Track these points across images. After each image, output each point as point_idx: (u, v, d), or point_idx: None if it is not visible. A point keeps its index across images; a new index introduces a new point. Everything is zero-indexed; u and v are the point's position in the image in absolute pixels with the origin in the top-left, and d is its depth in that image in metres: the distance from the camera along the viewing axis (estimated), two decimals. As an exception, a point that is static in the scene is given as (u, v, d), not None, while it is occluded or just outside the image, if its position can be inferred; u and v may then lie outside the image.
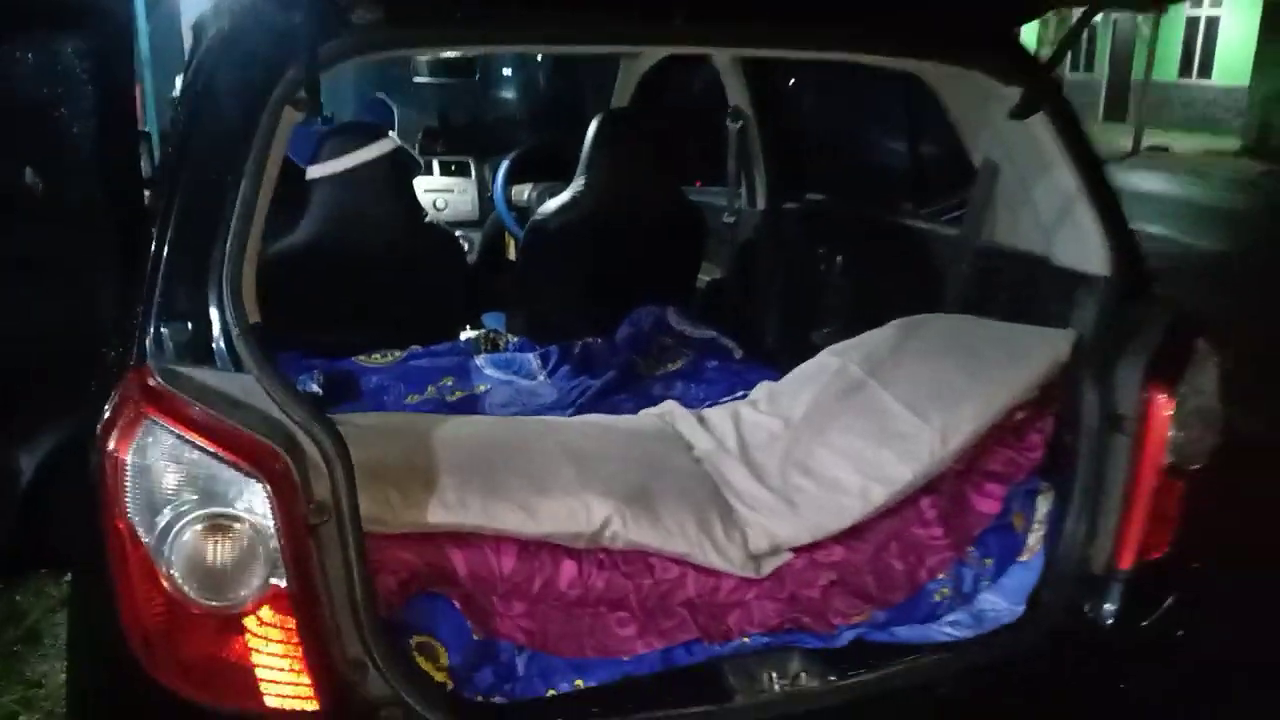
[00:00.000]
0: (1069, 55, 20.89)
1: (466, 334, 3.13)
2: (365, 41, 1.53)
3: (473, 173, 3.95)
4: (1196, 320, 1.82)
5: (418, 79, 3.91)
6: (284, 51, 1.45)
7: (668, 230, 3.18)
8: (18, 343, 2.37)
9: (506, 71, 4.30)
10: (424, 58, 3.71)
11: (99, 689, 1.42)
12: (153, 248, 1.40)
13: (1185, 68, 21.73)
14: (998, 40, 1.91)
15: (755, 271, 3.27)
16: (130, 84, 2.52)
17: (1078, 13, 1.92)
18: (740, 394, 2.31)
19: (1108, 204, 1.87)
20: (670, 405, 2.09)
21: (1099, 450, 1.74)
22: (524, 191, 3.82)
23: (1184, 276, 8.76)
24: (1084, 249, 1.88)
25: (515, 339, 3.02)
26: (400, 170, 2.77)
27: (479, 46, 2.30)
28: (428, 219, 2.94)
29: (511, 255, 3.91)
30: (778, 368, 2.45)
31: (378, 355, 2.73)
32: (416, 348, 2.79)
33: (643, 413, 2.12)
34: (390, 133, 2.78)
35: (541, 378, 2.80)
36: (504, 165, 3.80)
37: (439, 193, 4.02)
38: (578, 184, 3.03)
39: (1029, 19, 2.03)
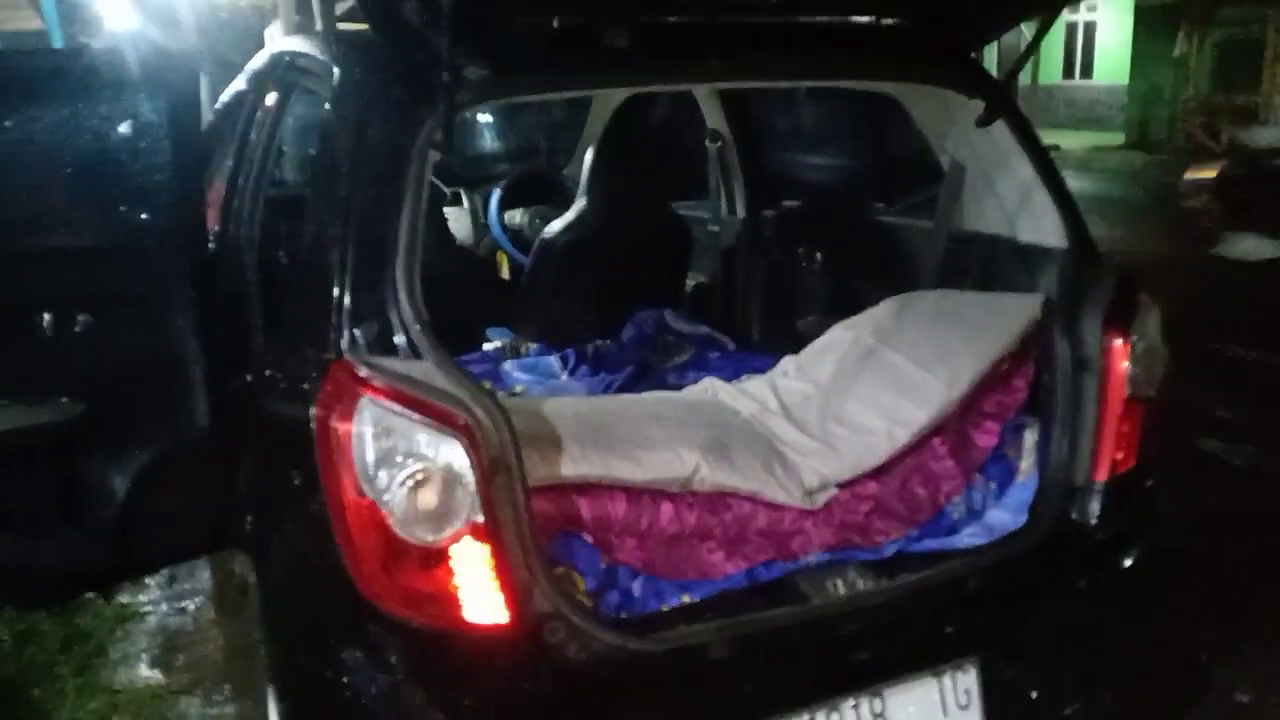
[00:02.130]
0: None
1: (489, 344, 3.46)
2: (480, 93, 1.88)
3: (465, 202, 4.28)
4: (1137, 279, 2.26)
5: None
6: (421, 106, 1.80)
7: (658, 241, 3.55)
8: (107, 370, 2.64)
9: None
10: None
11: (322, 622, 1.73)
12: (336, 268, 1.73)
13: (1068, 70, 22.99)
14: (960, 63, 2.34)
15: (739, 272, 3.67)
16: (198, 139, 2.81)
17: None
18: (745, 377, 2.69)
19: (1060, 190, 2.31)
20: (711, 381, 2.46)
21: (1073, 388, 2.16)
22: (515, 216, 4.17)
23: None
24: (1043, 227, 2.31)
25: (534, 345, 3.36)
26: (434, 201, 3.09)
27: (560, 93, 2.68)
28: (459, 243, 3.26)
29: (505, 274, 4.25)
30: (769, 354, 2.83)
31: None
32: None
33: (686, 389, 2.49)
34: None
35: (564, 377, 3.13)
36: (496, 193, 4.15)
37: None
38: (580, 204, 3.39)
39: (988, 43, 2.46)
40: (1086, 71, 22.58)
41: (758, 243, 3.60)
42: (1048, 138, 17.36)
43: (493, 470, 1.63)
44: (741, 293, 3.68)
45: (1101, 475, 2.16)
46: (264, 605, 1.99)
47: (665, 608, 1.91)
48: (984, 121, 2.30)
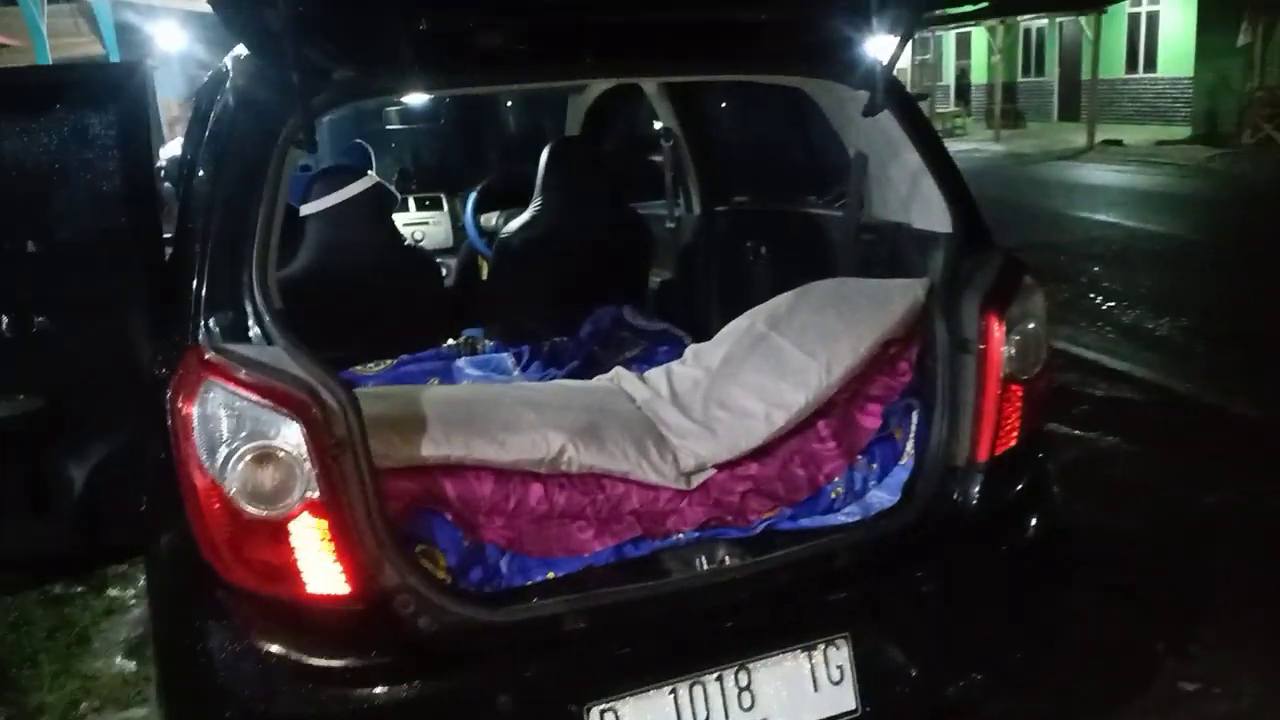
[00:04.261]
0: (1020, 61, 21.29)
1: (449, 343, 3.57)
2: (345, 93, 1.99)
3: (444, 206, 4.41)
4: (1023, 263, 2.28)
5: (389, 126, 4.38)
6: (285, 106, 1.91)
7: (617, 239, 3.63)
8: (66, 371, 2.81)
9: (468, 115, 4.78)
10: (393, 108, 4.19)
11: (182, 593, 1.85)
12: (196, 260, 1.85)
13: (1131, 63, 22.45)
14: (842, 55, 2.37)
15: (696, 268, 3.73)
16: (148, 149, 2.97)
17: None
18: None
19: (947, 176, 2.33)
20: (617, 370, 2.54)
21: (951, 369, 2.19)
22: (492, 218, 4.29)
23: (1130, 255, 9.31)
24: (931, 213, 2.34)
25: (491, 343, 3.46)
26: (381, 203, 3.22)
27: (431, 91, 2.78)
28: (406, 244, 3.38)
29: (485, 276, 4.37)
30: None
31: (372, 364, 3.15)
32: (405, 356, 3.22)
33: (595, 378, 2.56)
34: (370, 171, 3.24)
35: (516, 374, 3.22)
36: (472, 196, 4.27)
37: (416, 225, 4.48)
38: (536, 204, 3.48)
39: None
40: (1150, 64, 21.99)
41: (713, 239, 3.66)
42: (1110, 132, 17.29)
43: (336, 450, 1.73)
44: (701, 288, 3.73)
45: (982, 456, 2.17)
46: (147, 583, 2.12)
47: (530, 583, 1.98)
48: (869, 112, 2.33)
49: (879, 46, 2.35)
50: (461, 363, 3.25)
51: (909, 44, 2.37)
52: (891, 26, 2.24)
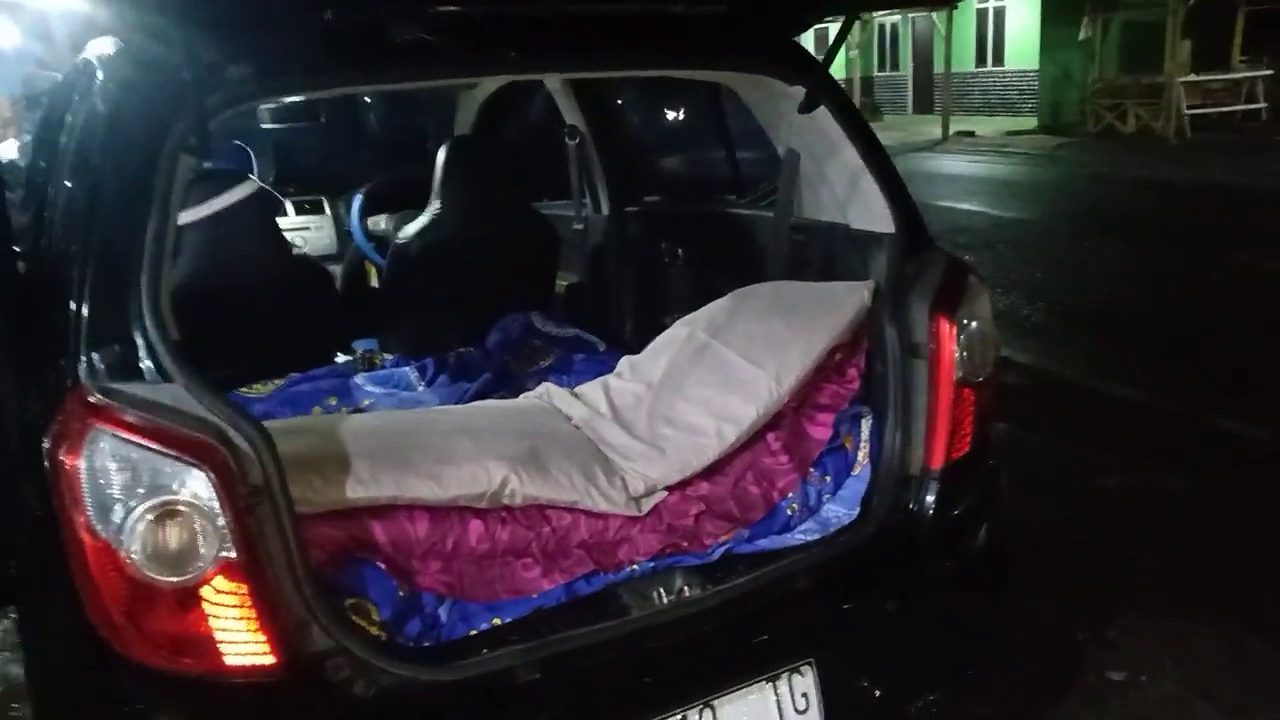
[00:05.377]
0: (876, 56, 21.93)
1: (342, 359, 3.30)
2: (240, 93, 1.75)
3: (326, 209, 4.11)
4: (966, 263, 2.21)
5: (265, 125, 4.06)
6: (172, 108, 1.66)
7: (522, 242, 3.43)
8: None
9: (348, 112, 4.49)
10: (269, 105, 3.88)
11: (70, 675, 1.58)
12: (74, 285, 1.58)
13: (980, 57, 23.37)
14: (778, 49, 2.26)
15: (607, 271, 3.57)
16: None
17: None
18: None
19: (887, 175, 2.24)
20: (546, 386, 2.36)
21: (902, 374, 2.10)
22: (380, 221, 4.02)
23: (997, 243, 9.61)
24: (872, 213, 2.25)
25: (391, 356, 3.21)
26: (265, 209, 2.94)
27: (338, 89, 2.53)
28: (296, 252, 3.11)
29: (374, 283, 4.10)
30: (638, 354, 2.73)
31: (259, 385, 2.87)
32: (295, 374, 2.95)
33: (523, 395, 2.38)
34: (250, 175, 2.96)
35: (421, 388, 2.99)
36: (357, 199, 3.99)
37: (296, 231, 4.17)
38: (434, 207, 3.25)
39: (800, 31, 2.38)
40: (998, 58, 22.94)
41: (623, 240, 3.51)
42: (963, 124, 17.85)
43: (252, 500, 1.50)
44: (613, 292, 3.58)
45: (937, 463, 2.09)
46: (25, 659, 1.83)
47: (474, 632, 1.79)
48: (805, 108, 2.23)
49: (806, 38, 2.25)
50: (360, 379, 3.00)
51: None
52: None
